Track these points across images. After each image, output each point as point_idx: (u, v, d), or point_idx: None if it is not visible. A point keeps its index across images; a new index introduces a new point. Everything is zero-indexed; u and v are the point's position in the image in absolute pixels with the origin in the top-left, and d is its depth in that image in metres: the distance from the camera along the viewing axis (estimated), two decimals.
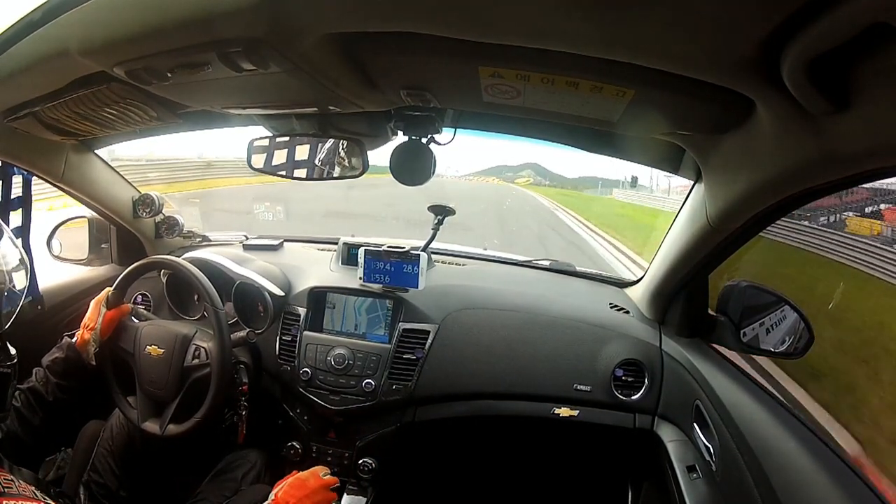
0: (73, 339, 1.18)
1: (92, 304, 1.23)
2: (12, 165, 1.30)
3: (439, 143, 1.16)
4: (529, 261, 1.80)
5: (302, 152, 1.23)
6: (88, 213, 1.65)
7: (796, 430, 0.93)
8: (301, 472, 1.08)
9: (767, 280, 1.14)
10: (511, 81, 0.73)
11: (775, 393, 1.07)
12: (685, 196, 1.17)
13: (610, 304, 1.51)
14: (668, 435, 1.31)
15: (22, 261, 0.85)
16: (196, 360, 1.23)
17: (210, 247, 1.77)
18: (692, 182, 1.12)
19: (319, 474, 1.12)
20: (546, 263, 1.78)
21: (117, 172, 1.57)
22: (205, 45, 0.64)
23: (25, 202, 1.37)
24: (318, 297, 1.51)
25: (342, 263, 1.62)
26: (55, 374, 1.12)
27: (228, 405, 1.33)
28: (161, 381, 1.22)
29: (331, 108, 0.97)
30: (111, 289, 1.25)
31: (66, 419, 1.20)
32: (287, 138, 1.23)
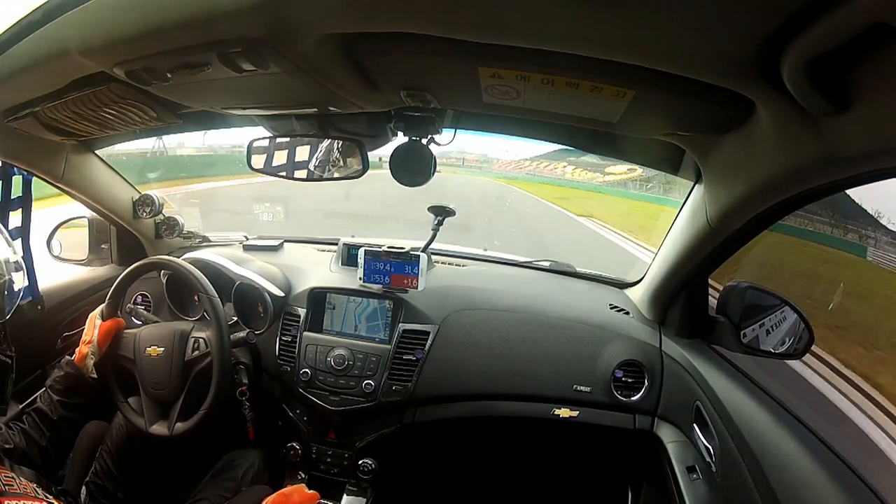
0: (72, 357, 1.19)
1: (88, 320, 1.25)
2: (12, 165, 1.30)
3: (439, 144, 1.16)
4: (529, 262, 1.80)
5: (302, 153, 1.23)
6: (88, 213, 1.65)
7: (796, 430, 0.93)
8: (285, 488, 1.07)
9: None
10: (511, 82, 0.73)
11: (775, 393, 1.07)
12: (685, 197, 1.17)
13: (610, 304, 1.51)
14: (667, 436, 1.31)
15: (14, 251, 0.86)
16: (196, 352, 1.23)
17: (210, 247, 1.77)
18: (692, 183, 1.12)
19: (304, 490, 1.09)
20: (546, 264, 1.78)
21: (117, 173, 1.57)
22: (205, 45, 0.64)
23: (25, 202, 1.37)
24: (318, 298, 1.50)
25: (342, 264, 1.62)
26: (57, 392, 1.13)
27: (233, 405, 1.33)
28: (164, 381, 1.22)
29: (331, 108, 0.97)
30: (104, 305, 1.26)
31: (72, 437, 1.21)
32: (287, 139, 1.23)
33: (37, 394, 1.18)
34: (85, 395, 1.17)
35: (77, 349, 1.20)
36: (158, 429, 1.22)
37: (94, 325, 1.23)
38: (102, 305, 1.26)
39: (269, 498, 1.03)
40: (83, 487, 1.24)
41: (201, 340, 1.24)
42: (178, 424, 1.21)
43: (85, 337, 1.22)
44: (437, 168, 1.15)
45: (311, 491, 1.08)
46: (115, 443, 1.28)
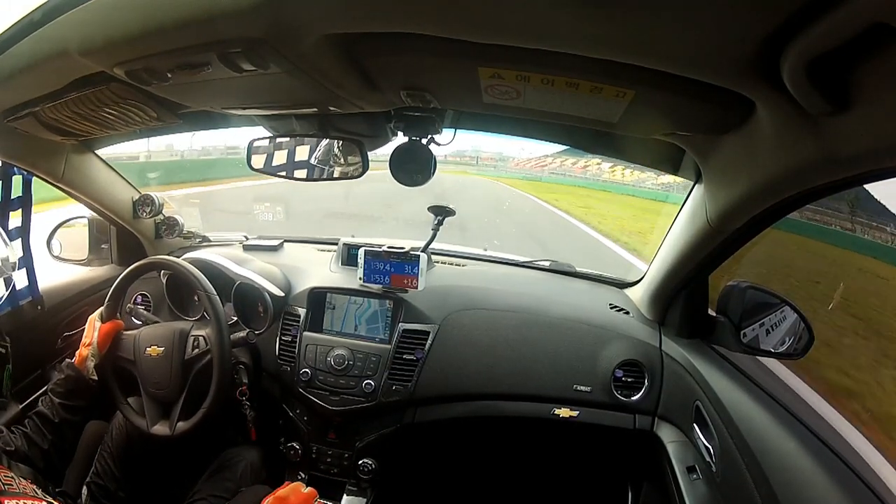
0: (73, 359, 1.19)
1: (87, 322, 1.25)
2: (12, 165, 1.30)
3: (439, 144, 1.16)
4: (529, 261, 1.80)
5: (302, 153, 1.23)
6: (88, 213, 1.65)
7: (796, 430, 0.93)
8: (281, 491, 1.05)
9: None
10: (511, 82, 0.73)
11: (775, 393, 1.07)
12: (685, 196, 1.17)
13: (610, 304, 1.51)
14: (668, 436, 1.31)
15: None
16: (196, 350, 1.23)
17: (210, 247, 1.77)
18: (692, 182, 1.12)
19: (301, 489, 1.05)
20: (546, 264, 1.78)
21: (117, 173, 1.57)
22: (205, 45, 0.64)
23: (25, 202, 1.37)
24: (318, 298, 1.50)
25: (342, 264, 1.62)
26: (58, 395, 1.13)
27: (233, 405, 1.33)
28: (164, 381, 1.22)
29: (331, 108, 0.97)
30: (104, 307, 1.26)
31: (74, 440, 1.22)
32: (287, 139, 1.23)
33: (37, 394, 1.18)
34: (86, 398, 1.17)
35: (77, 352, 1.21)
36: (160, 429, 1.22)
37: (93, 328, 1.23)
38: (102, 308, 1.26)
39: (267, 499, 1.02)
40: (84, 487, 1.24)
41: (201, 338, 1.24)
42: (180, 424, 1.21)
43: (85, 339, 1.22)
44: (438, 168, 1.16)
45: (309, 488, 1.07)
46: (115, 442, 1.28)
